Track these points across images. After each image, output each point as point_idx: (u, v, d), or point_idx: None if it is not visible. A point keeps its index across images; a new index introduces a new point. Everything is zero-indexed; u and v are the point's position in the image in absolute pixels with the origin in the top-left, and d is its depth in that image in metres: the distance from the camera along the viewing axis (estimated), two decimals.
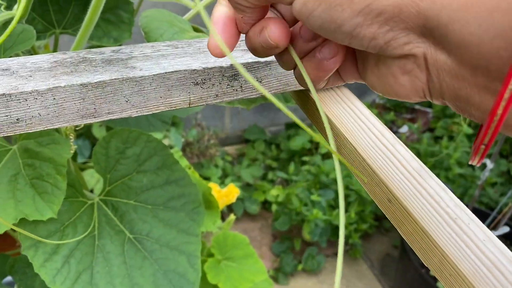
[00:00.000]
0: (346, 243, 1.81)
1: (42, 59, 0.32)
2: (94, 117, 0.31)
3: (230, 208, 1.83)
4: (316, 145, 1.98)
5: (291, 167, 1.79)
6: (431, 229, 0.26)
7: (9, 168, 0.49)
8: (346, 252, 1.83)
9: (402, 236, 0.29)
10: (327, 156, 1.89)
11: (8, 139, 0.56)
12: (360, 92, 2.22)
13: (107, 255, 0.51)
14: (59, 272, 0.49)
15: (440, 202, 0.28)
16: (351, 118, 0.34)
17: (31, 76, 0.30)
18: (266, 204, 1.91)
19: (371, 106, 2.19)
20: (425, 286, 1.47)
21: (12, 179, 0.49)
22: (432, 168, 1.81)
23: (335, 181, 1.74)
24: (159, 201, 0.55)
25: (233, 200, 0.93)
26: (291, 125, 2.14)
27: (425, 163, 1.81)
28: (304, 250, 1.78)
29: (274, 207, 1.77)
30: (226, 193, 0.91)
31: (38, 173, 0.49)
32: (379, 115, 2.14)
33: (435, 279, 1.46)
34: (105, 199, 0.55)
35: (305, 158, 1.87)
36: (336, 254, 1.83)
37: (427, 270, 1.50)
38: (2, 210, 0.47)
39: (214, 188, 0.92)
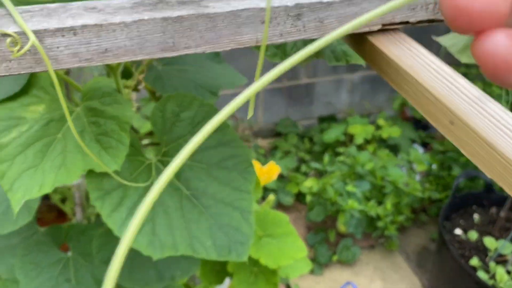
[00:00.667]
0: (381, 235, 1.80)
1: (123, 0, 0.35)
2: (173, 51, 0.33)
3: (263, 198, 1.85)
4: (350, 138, 1.98)
5: (326, 158, 1.79)
6: (496, 142, 0.28)
7: (75, 126, 0.53)
8: (381, 244, 1.82)
9: (466, 155, 0.30)
10: (362, 147, 1.88)
11: (69, 100, 0.60)
12: None
13: (166, 209, 0.54)
14: (125, 222, 0.52)
15: (501, 120, 0.29)
16: (410, 56, 0.36)
17: (116, 12, 0.33)
18: (299, 196, 1.92)
19: None
20: (465, 277, 1.45)
21: (79, 136, 0.52)
22: None
23: (370, 172, 1.74)
24: (213, 161, 0.57)
25: (274, 177, 0.95)
26: (324, 119, 2.15)
27: None
28: (339, 241, 1.78)
29: (308, 198, 1.77)
30: (267, 170, 0.93)
31: (103, 130, 0.52)
32: None
33: (475, 269, 1.44)
34: (162, 159, 0.58)
35: (340, 149, 1.87)
36: (371, 246, 1.82)
37: (466, 260, 1.48)
38: (72, 164, 0.51)
39: (256, 165, 0.94)
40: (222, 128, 0.60)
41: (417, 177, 1.85)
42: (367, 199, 1.76)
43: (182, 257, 0.76)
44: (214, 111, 0.61)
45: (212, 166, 0.58)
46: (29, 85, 0.55)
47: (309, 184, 1.74)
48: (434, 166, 1.83)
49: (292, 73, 2.00)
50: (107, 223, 0.51)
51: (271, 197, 1.06)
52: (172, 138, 0.59)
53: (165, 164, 0.59)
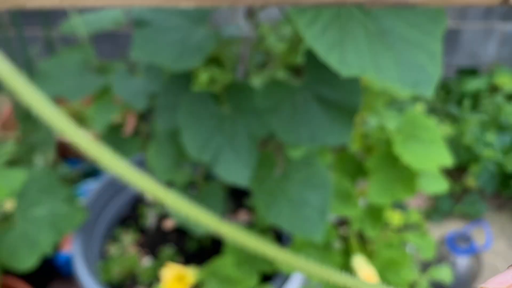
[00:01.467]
0: None
1: None
2: None
3: None
4: (494, 90, 1.82)
5: (466, 102, 1.68)
6: None
7: None
8: None
9: None
10: (509, 98, 1.72)
11: None
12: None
13: (355, 39, 0.56)
14: (317, 37, 0.54)
15: None
16: None
17: None
18: None
19: None
20: None
21: None
22: None
23: None
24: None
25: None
26: (464, 70, 2.00)
27: None
28: (464, 194, 1.68)
29: None
30: None
31: None
32: None
33: None
34: None
35: (482, 97, 1.74)
36: (500, 206, 1.69)
37: None
38: None
39: None
40: None
41: None
42: (506, 153, 1.62)
43: (335, 127, 0.77)
44: None
45: (402, 8, 0.57)
46: None
47: (444, 128, 1.65)
48: None
49: None
50: (303, 35, 0.54)
51: (419, 106, 1.03)
52: None
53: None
